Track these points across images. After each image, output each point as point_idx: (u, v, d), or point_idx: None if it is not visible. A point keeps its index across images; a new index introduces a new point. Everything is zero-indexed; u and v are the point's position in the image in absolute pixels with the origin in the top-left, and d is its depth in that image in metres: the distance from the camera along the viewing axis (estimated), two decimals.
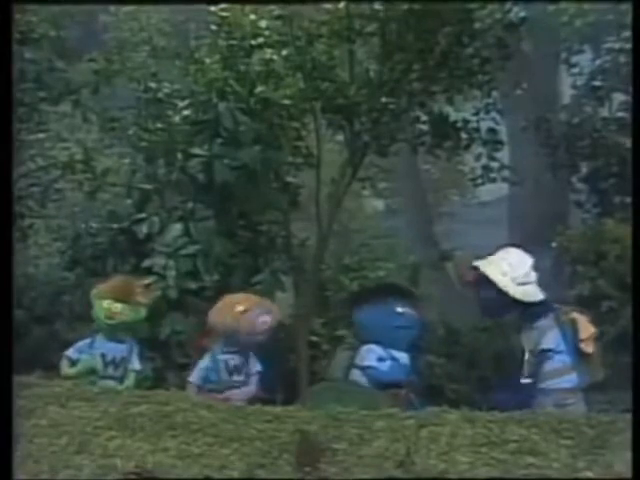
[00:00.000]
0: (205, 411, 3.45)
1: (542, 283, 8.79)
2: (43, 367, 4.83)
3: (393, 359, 4.59)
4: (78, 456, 3.13)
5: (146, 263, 5.66)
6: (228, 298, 4.65)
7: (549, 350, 4.30)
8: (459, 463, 3.09)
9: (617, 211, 7.20)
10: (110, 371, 4.56)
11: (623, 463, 3.07)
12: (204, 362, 4.51)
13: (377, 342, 4.66)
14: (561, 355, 4.31)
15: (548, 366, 4.28)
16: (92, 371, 4.54)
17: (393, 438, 3.24)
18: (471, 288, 4.63)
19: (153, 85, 6.44)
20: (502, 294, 4.41)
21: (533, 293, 4.50)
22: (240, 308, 4.49)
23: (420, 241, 11.85)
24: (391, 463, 3.09)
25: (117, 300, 4.59)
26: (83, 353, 4.58)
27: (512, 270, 4.49)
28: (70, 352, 4.61)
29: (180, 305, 5.55)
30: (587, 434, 3.30)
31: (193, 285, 5.56)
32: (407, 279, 6.78)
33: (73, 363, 4.57)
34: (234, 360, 4.51)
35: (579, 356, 4.34)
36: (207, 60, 6.34)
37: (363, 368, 4.57)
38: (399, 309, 4.83)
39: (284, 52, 6.24)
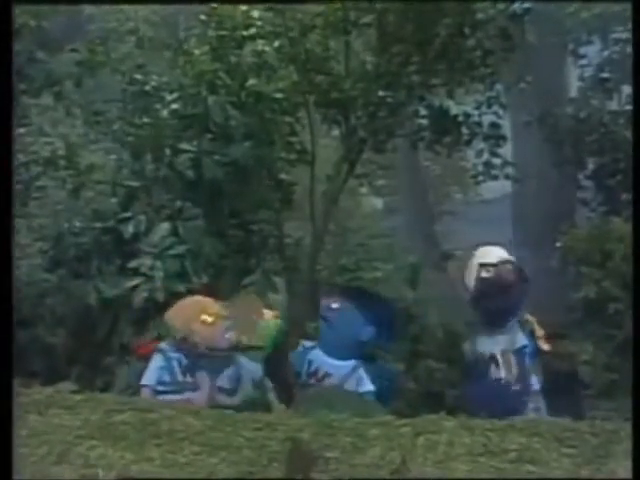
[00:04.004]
0: (191, 418, 3.46)
1: (546, 285, 8.80)
2: (23, 374, 4.82)
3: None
4: (58, 467, 3.13)
5: (132, 264, 5.66)
6: (194, 302, 4.66)
7: (522, 347, 4.46)
8: (457, 472, 3.10)
9: (625, 209, 7.22)
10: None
11: (627, 472, 3.08)
12: (156, 362, 4.46)
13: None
14: (530, 356, 4.50)
15: (523, 365, 4.44)
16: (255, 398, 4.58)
17: (388, 446, 3.25)
18: (482, 289, 4.68)
19: (139, 77, 6.43)
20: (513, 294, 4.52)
21: None
22: (208, 319, 4.50)
23: (420, 241, 11.86)
24: (386, 472, 3.10)
25: None
26: (235, 382, 4.57)
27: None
28: (223, 382, 4.57)
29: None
30: (590, 442, 3.31)
31: (181, 287, 5.54)
32: (406, 280, 6.78)
33: (230, 393, 4.56)
34: (185, 359, 4.49)
35: (538, 357, 4.52)
36: (196, 51, 6.35)
37: None
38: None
39: (277, 43, 6.26)
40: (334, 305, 4.73)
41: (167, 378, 4.44)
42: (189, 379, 4.47)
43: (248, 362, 4.69)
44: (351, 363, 4.57)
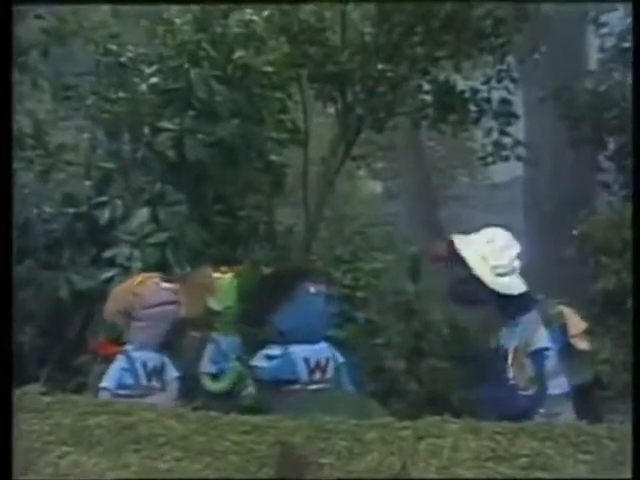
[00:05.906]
0: (173, 421, 3.47)
1: (562, 276, 8.80)
2: None
3: (285, 355, 4.59)
4: (24, 476, 3.12)
5: (108, 253, 5.68)
6: (125, 285, 4.78)
7: (542, 350, 4.40)
8: (462, 479, 3.12)
9: None
10: None
11: None
12: (118, 363, 4.48)
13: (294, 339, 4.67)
14: (551, 356, 4.41)
15: (539, 369, 4.38)
16: (242, 378, 4.65)
17: (387, 451, 3.26)
18: (439, 265, 4.69)
19: (114, 48, 6.44)
20: (477, 281, 4.44)
21: (515, 285, 4.51)
22: (138, 280, 4.67)
23: (422, 229, 11.92)
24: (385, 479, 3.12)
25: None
26: (220, 362, 4.67)
27: (494, 257, 4.50)
28: (206, 367, 4.68)
29: None
30: (609, 447, 3.33)
31: None
32: (407, 272, 6.82)
33: (215, 377, 4.66)
34: (152, 361, 4.54)
35: (569, 356, 4.44)
36: (177, 20, 6.35)
37: (250, 368, 4.68)
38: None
39: (266, 12, 6.26)
40: (312, 289, 4.75)
41: (129, 381, 4.47)
42: (155, 383, 4.52)
43: (224, 337, 4.74)
44: (324, 344, 4.68)
